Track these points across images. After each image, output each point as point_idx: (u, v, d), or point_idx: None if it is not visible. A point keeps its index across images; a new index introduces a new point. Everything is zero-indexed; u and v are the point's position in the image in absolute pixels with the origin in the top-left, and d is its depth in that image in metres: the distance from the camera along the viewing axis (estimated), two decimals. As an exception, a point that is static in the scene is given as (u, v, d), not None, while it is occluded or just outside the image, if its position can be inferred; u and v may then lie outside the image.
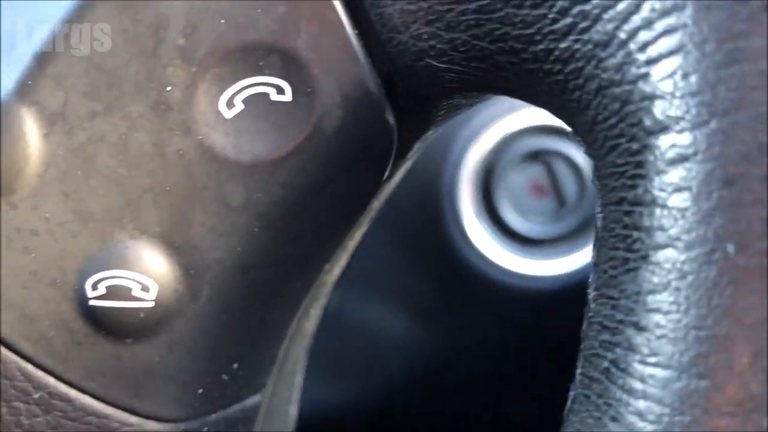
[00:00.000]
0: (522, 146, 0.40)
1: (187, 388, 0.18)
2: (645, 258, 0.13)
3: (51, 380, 0.17)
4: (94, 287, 0.17)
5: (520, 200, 0.41)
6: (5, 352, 0.17)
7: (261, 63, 0.15)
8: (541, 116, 0.40)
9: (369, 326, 0.44)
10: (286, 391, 0.23)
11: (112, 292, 0.17)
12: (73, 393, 0.17)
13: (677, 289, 0.12)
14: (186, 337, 0.17)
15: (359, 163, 0.17)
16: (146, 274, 0.17)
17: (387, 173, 0.18)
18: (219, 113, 0.16)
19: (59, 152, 0.16)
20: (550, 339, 0.42)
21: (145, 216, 0.16)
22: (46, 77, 0.16)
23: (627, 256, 0.13)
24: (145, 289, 0.17)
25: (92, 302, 0.17)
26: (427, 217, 0.41)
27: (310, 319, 0.21)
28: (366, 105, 0.16)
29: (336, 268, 0.21)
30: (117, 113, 0.16)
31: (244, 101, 0.16)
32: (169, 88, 0.16)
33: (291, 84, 0.16)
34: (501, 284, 0.41)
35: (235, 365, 0.19)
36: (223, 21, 0.15)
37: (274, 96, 0.16)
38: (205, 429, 0.19)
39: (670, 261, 0.13)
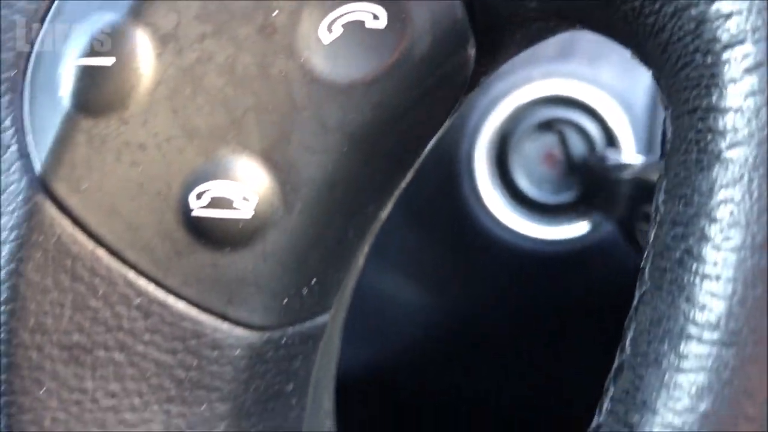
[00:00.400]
0: (535, 116, 0.42)
1: (274, 298, 0.19)
2: (718, 156, 0.15)
3: (151, 287, 0.19)
4: (198, 198, 0.18)
5: (533, 168, 0.43)
6: (111, 260, 0.18)
7: None
8: (554, 87, 0.42)
9: (382, 290, 0.45)
10: (339, 321, 0.24)
11: (215, 203, 0.18)
12: (171, 299, 0.19)
13: (750, 180, 0.14)
14: (278, 247, 0.19)
15: (438, 91, 0.19)
16: (247, 187, 0.18)
17: (456, 107, 0.20)
18: (319, 38, 0.17)
19: (170, 71, 0.17)
20: (559, 299, 0.44)
21: (247, 133, 0.18)
22: (161, 0, 0.17)
23: (700, 157, 0.15)
24: (245, 200, 0.18)
25: (195, 213, 0.18)
26: (444, 182, 0.43)
27: (359, 262, 0.23)
28: (452, 34, 0.18)
29: (383, 215, 0.22)
30: (225, 35, 0.17)
31: (343, 26, 0.17)
32: (275, 13, 0.17)
33: (387, 11, 0.17)
34: (513, 247, 0.43)
35: (314, 281, 0.20)
36: None
37: (370, 22, 0.17)
38: (284, 340, 0.20)
39: (743, 156, 0.14)
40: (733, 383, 0.14)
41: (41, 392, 0.19)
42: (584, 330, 0.43)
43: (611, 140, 0.42)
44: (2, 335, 0.19)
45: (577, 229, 0.42)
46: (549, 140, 0.43)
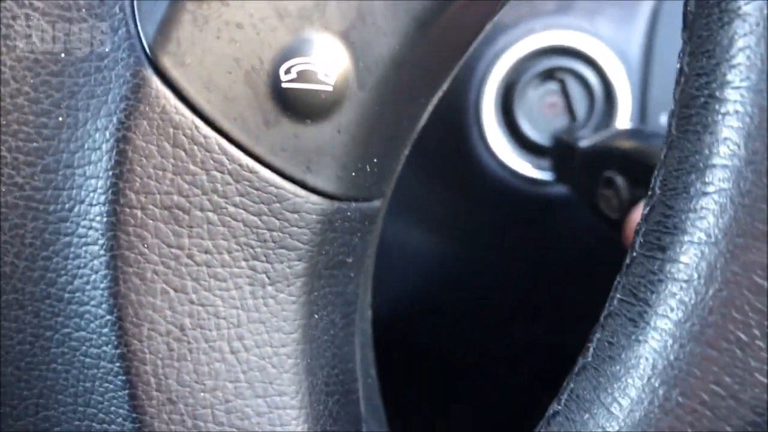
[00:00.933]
0: (538, 66, 0.46)
1: (345, 169, 0.22)
2: (737, 11, 0.18)
3: (242, 155, 0.21)
4: (287, 72, 0.21)
5: (537, 115, 0.46)
6: (207, 129, 0.21)
7: None
8: (555, 39, 0.45)
9: (394, 237, 0.48)
10: (381, 218, 0.27)
11: (302, 76, 0.21)
12: (258, 166, 0.21)
13: (765, 27, 0.17)
14: (351, 121, 0.22)
15: None
16: (328, 63, 0.21)
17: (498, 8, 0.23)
18: None
19: None
20: (565, 238, 0.47)
21: (329, 15, 0.21)
22: None
23: (721, 15, 0.18)
24: (327, 74, 0.21)
25: (284, 85, 0.21)
26: (454, 131, 0.46)
27: (401, 162, 0.26)
28: None
29: (419, 124, 0.25)
30: None
31: None
32: None
33: None
34: (520, 191, 0.46)
35: (375, 159, 0.23)
36: None
37: None
38: (348, 213, 0.23)
39: (758, 8, 0.17)
40: (753, 194, 0.17)
41: (144, 247, 0.21)
42: (588, 272, 0.46)
43: (608, 87, 0.45)
44: (110, 196, 0.21)
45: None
46: (551, 88, 0.46)
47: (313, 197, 0.22)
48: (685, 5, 0.20)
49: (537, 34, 0.45)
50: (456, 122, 0.46)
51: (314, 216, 0.22)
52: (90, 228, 0.21)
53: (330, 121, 0.21)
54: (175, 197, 0.21)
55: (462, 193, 0.47)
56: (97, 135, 0.21)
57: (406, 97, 0.23)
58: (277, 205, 0.22)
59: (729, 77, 0.18)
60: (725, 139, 0.18)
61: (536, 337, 0.51)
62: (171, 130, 0.21)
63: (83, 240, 0.22)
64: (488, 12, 0.23)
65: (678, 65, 0.20)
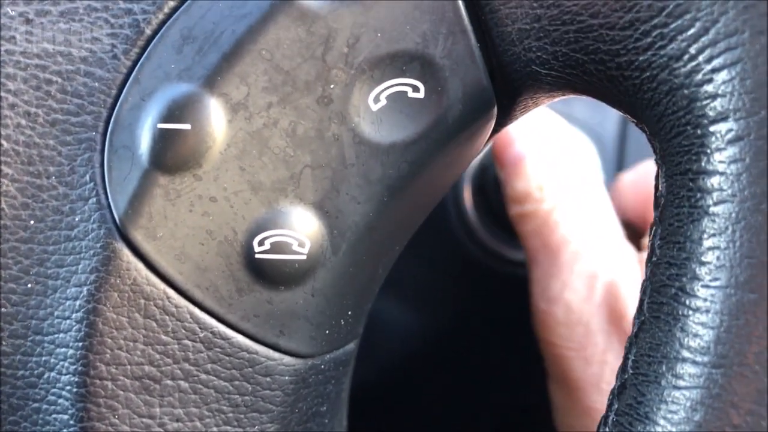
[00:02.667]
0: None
1: (319, 329, 0.22)
2: (707, 211, 0.18)
3: (214, 322, 0.21)
4: (261, 243, 0.21)
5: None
6: (179, 298, 0.21)
7: (404, 67, 0.20)
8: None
9: (375, 313, 0.48)
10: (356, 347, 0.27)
11: (276, 247, 0.21)
12: (230, 333, 0.21)
13: (733, 231, 0.18)
14: (325, 284, 0.21)
15: (465, 147, 0.22)
16: (302, 233, 0.21)
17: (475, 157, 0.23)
18: (368, 106, 0.20)
19: (239, 135, 0.20)
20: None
21: (304, 186, 0.21)
22: (233, 74, 0.20)
23: (691, 211, 0.18)
24: (301, 245, 0.21)
25: (258, 256, 0.21)
26: (433, 211, 0.46)
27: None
28: (480, 101, 0.21)
29: (404, 244, 0.25)
30: (289, 104, 0.20)
31: (387, 97, 0.20)
32: (332, 86, 0.20)
33: (425, 84, 0.20)
34: (495, 270, 0.46)
35: (349, 312, 0.23)
36: (379, 35, 0.20)
37: (411, 93, 0.20)
38: (322, 366, 0.23)
39: (727, 212, 0.18)
40: (721, 398, 0.18)
41: (115, 418, 0.21)
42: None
43: (583, 171, 0.45)
44: (80, 368, 0.21)
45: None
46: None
47: (287, 359, 0.22)
48: (656, 180, 0.20)
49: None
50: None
51: (287, 377, 0.22)
52: (60, 396, 0.21)
53: (303, 286, 0.21)
54: (146, 367, 0.21)
55: (441, 272, 0.47)
56: (68, 303, 0.21)
57: (379, 253, 0.23)
58: (249, 369, 0.22)
59: (699, 273, 0.18)
60: (695, 336, 0.18)
61: (513, 407, 0.51)
62: (142, 302, 0.21)
63: (53, 408, 0.21)
64: (461, 167, 0.23)
65: (650, 239, 0.20)
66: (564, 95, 0.22)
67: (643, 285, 0.20)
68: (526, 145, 0.37)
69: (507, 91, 0.21)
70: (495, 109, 0.21)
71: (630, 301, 0.34)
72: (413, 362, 0.48)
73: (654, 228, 0.20)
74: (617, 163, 0.46)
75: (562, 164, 0.37)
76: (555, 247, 0.35)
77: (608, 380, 0.33)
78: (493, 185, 0.47)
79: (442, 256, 0.46)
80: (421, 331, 0.47)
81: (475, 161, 0.46)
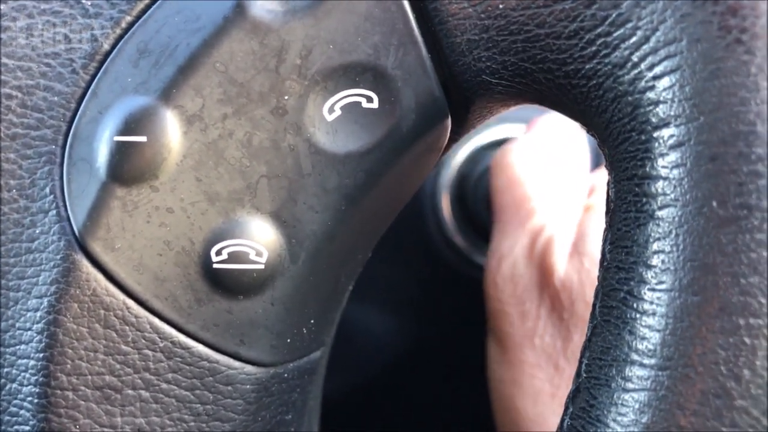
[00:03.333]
0: (491, 158, 0.46)
1: (280, 338, 0.22)
2: (652, 215, 0.18)
3: (174, 332, 0.21)
4: (218, 253, 0.21)
5: (489, 204, 0.46)
6: (139, 309, 0.21)
7: (357, 78, 0.20)
8: (507, 131, 0.46)
9: (354, 321, 0.48)
10: (326, 355, 0.27)
11: (233, 257, 0.21)
12: (191, 342, 0.21)
13: (677, 235, 0.18)
14: (285, 293, 0.22)
15: (420, 156, 0.22)
16: (260, 243, 0.21)
17: (433, 166, 0.24)
18: (323, 117, 0.20)
19: (195, 146, 0.20)
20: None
21: (261, 196, 0.21)
22: (188, 86, 0.20)
23: (637, 215, 0.19)
24: (258, 254, 0.21)
25: (215, 266, 0.21)
26: (411, 219, 0.46)
27: (345, 301, 0.26)
28: (432, 110, 0.21)
29: (366, 258, 0.25)
30: (244, 116, 0.20)
31: (342, 108, 0.21)
32: (286, 97, 0.20)
33: (378, 95, 0.20)
34: (475, 277, 0.47)
35: (312, 321, 0.23)
36: (331, 46, 0.20)
37: (365, 104, 0.21)
38: (286, 375, 0.23)
39: (671, 216, 0.18)
40: (667, 399, 0.18)
41: (76, 428, 0.21)
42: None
43: (560, 178, 0.46)
44: (41, 378, 0.21)
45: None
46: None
47: (248, 368, 0.22)
48: (608, 189, 0.21)
49: (491, 127, 0.46)
50: (413, 212, 0.46)
51: (248, 386, 0.22)
52: (21, 408, 0.21)
53: (263, 295, 0.22)
54: (107, 377, 0.21)
55: (420, 279, 0.47)
56: (29, 315, 0.21)
57: (341, 262, 0.23)
58: (210, 378, 0.22)
59: (645, 277, 0.18)
60: (642, 338, 0.18)
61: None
62: (102, 312, 0.21)
63: (14, 419, 0.21)
64: (420, 176, 0.23)
65: (601, 248, 0.20)
66: (517, 103, 0.22)
67: (596, 289, 0.20)
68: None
69: (460, 100, 0.21)
70: (449, 119, 0.22)
71: (560, 257, 0.34)
72: (394, 367, 0.48)
73: (605, 233, 0.20)
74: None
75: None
76: (516, 204, 0.36)
77: (541, 335, 0.34)
78: (471, 194, 0.47)
79: (421, 263, 0.47)
80: (401, 336, 0.48)
81: (453, 170, 0.46)
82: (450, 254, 0.46)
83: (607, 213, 0.20)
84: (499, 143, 0.46)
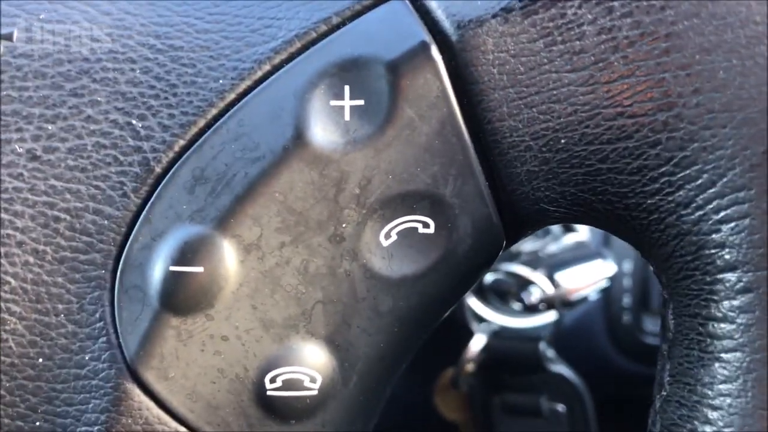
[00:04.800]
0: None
1: None
2: (717, 358, 0.18)
3: None
4: (272, 381, 0.20)
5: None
6: (192, 436, 0.21)
7: (414, 206, 0.20)
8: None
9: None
10: None
11: (287, 384, 0.20)
12: None
13: (745, 381, 0.18)
14: (336, 416, 0.21)
15: (473, 277, 0.22)
16: (313, 368, 0.21)
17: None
18: (379, 243, 0.20)
19: (251, 275, 0.20)
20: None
21: (315, 322, 0.21)
22: (246, 215, 0.20)
23: (701, 354, 0.19)
24: (312, 380, 0.21)
25: (270, 393, 0.21)
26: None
27: None
28: (488, 233, 0.21)
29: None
30: (301, 244, 0.20)
31: (398, 233, 0.20)
32: (344, 225, 0.20)
33: (435, 221, 0.20)
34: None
35: None
36: (390, 177, 0.20)
37: (421, 229, 0.20)
38: None
39: (738, 360, 0.18)
40: None
41: None
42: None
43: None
44: None
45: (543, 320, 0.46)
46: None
47: None
48: (664, 318, 0.21)
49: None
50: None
51: None
52: None
53: (314, 420, 0.21)
54: None
55: (430, 341, 0.47)
56: None
57: (389, 378, 0.23)
58: None
59: (711, 418, 0.19)
60: None
61: None
62: None
63: None
64: (467, 290, 0.23)
65: (658, 378, 0.20)
66: (573, 223, 0.22)
67: (651, 417, 0.20)
68: None
69: (515, 224, 0.21)
70: (503, 239, 0.21)
71: None
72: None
73: (662, 362, 0.20)
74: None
75: None
76: None
77: None
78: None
79: (438, 330, 0.46)
80: (420, 404, 0.47)
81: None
82: (465, 318, 0.46)
83: (664, 342, 0.20)
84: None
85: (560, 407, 0.41)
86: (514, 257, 0.43)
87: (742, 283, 0.18)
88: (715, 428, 0.18)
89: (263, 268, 0.20)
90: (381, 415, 0.50)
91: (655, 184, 0.19)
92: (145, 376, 0.20)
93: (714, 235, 0.18)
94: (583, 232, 0.45)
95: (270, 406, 0.21)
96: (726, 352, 0.18)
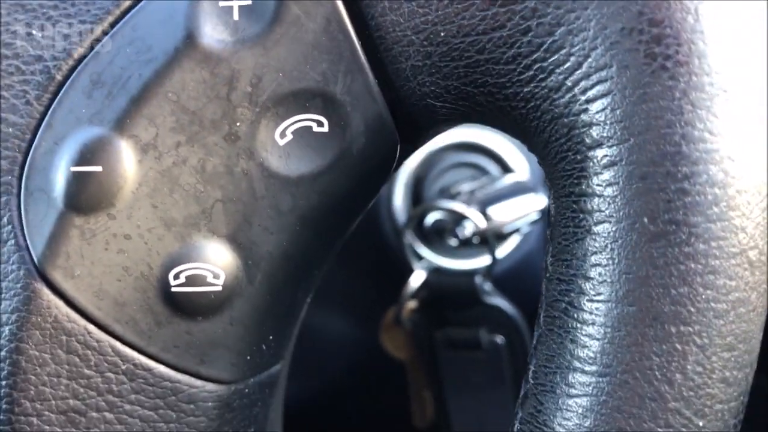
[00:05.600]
0: (446, 160, 0.47)
1: (239, 355, 0.23)
2: (588, 230, 0.20)
3: (135, 354, 0.22)
4: (176, 277, 0.21)
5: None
6: (100, 333, 0.21)
7: (307, 104, 0.21)
8: (461, 135, 0.47)
9: (314, 326, 0.49)
10: (286, 366, 0.28)
11: (191, 280, 0.21)
12: (152, 364, 0.22)
13: (612, 249, 0.19)
14: (242, 313, 0.22)
15: (371, 176, 0.23)
16: (216, 265, 0.21)
17: (384, 183, 0.24)
18: (275, 141, 0.21)
19: (150, 174, 0.21)
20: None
21: (216, 220, 0.21)
22: (141, 116, 0.21)
23: (575, 230, 0.20)
24: (215, 276, 0.22)
25: (174, 289, 0.21)
26: (367, 222, 0.47)
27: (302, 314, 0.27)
28: (381, 132, 0.22)
29: (324, 267, 0.26)
30: (197, 143, 0.21)
31: (293, 132, 0.21)
32: (238, 124, 0.21)
33: (328, 119, 0.21)
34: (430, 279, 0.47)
35: (271, 337, 0.24)
36: (280, 74, 0.21)
37: (316, 128, 0.21)
38: (246, 390, 0.24)
39: (606, 231, 0.19)
40: (608, 404, 0.19)
41: None
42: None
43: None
44: (5, 405, 0.21)
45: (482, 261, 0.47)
46: (457, 179, 0.47)
47: (209, 385, 0.23)
48: (548, 204, 0.22)
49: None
50: (369, 215, 0.47)
51: (210, 403, 0.23)
52: None
53: (221, 316, 0.22)
54: (71, 401, 0.22)
55: (377, 283, 0.48)
56: None
57: (297, 279, 0.24)
58: (173, 398, 0.22)
59: (585, 288, 0.20)
60: (583, 347, 0.20)
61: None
62: (64, 338, 0.21)
63: None
64: (373, 193, 0.24)
65: (544, 261, 0.22)
66: (461, 123, 0.23)
67: (540, 300, 0.22)
68: None
69: (407, 122, 0.22)
70: (398, 139, 0.22)
71: None
72: (355, 369, 0.49)
73: (546, 246, 0.21)
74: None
75: None
76: None
77: None
78: (427, 197, 0.48)
79: (379, 267, 0.47)
80: (362, 340, 0.48)
81: (408, 173, 0.47)
82: (407, 257, 0.47)
83: (547, 227, 0.21)
84: (453, 146, 0.47)
85: (499, 339, 0.42)
86: (453, 197, 0.44)
87: (607, 158, 0.19)
88: (588, 297, 0.20)
89: (161, 167, 0.21)
90: (331, 357, 0.51)
91: (529, 71, 0.20)
92: (52, 276, 0.21)
93: (583, 116, 0.19)
94: (522, 173, 0.46)
95: (176, 303, 0.22)
96: (596, 224, 0.19)
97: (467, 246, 0.44)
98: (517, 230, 0.43)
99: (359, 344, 0.49)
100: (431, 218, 0.46)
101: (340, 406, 0.50)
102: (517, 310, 0.43)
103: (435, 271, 0.43)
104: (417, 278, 0.43)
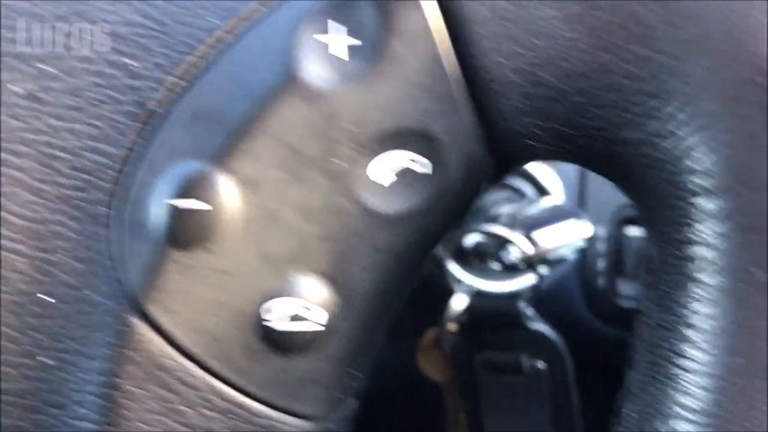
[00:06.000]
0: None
1: (329, 391, 0.23)
2: (693, 278, 0.20)
3: (231, 391, 0.22)
4: (274, 314, 0.21)
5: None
6: (195, 369, 0.21)
7: (408, 143, 0.21)
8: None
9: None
10: None
11: (289, 317, 0.21)
12: (247, 401, 0.22)
13: (718, 298, 0.19)
14: (337, 350, 0.22)
15: (463, 209, 0.23)
16: (314, 302, 0.21)
17: None
18: (375, 180, 0.21)
19: (251, 210, 0.21)
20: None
21: (315, 257, 0.21)
22: (243, 152, 0.20)
23: (678, 277, 0.20)
24: (312, 313, 0.21)
25: (271, 325, 0.21)
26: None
27: None
28: (479, 172, 0.22)
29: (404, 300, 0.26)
30: (298, 180, 0.21)
31: (393, 171, 0.21)
32: (339, 161, 0.21)
33: (429, 158, 0.21)
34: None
35: (356, 371, 0.24)
36: (383, 113, 0.21)
37: (415, 166, 0.21)
38: (331, 426, 0.24)
39: (713, 281, 0.19)
40: None
41: None
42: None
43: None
44: None
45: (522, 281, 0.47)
46: (492, 200, 0.48)
47: (300, 422, 0.23)
48: (649, 249, 0.22)
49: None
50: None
51: None
52: None
53: (317, 353, 0.22)
54: None
55: (411, 302, 0.48)
56: (84, 377, 0.21)
57: (386, 313, 0.24)
58: None
59: (689, 336, 0.20)
60: (688, 394, 0.20)
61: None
62: (160, 373, 0.21)
63: None
64: (455, 223, 0.24)
65: (643, 305, 0.22)
66: (556, 161, 0.23)
67: (635, 343, 0.22)
68: None
69: (503, 159, 0.22)
70: (492, 177, 0.22)
71: None
72: (396, 393, 0.49)
73: (646, 291, 0.22)
74: (579, 195, 0.47)
75: None
76: None
77: None
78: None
79: (418, 290, 0.47)
80: (402, 364, 0.48)
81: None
82: (445, 279, 0.47)
83: (648, 272, 0.21)
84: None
85: (540, 364, 0.42)
86: (493, 220, 0.44)
87: (714, 207, 0.19)
88: (690, 344, 0.20)
89: (262, 203, 0.21)
90: (366, 378, 0.51)
91: (632, 115, 0.20)
92: (149, 310, 0.21)
93: (687, 161, 0.20)
94: (558, 195, 0.47)
95: (273, 340, 0.21)
96: (702, 272, 0.20)
97: (507, 269, 0.44)
98: (563, 257, 0.43)
99: (395, 366, 0.49)
100: (471, 240, 0.46)
101: (375, 428, 0.50)
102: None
103: (476, 294, 0.43)
104: (459, 301, 0.43)
